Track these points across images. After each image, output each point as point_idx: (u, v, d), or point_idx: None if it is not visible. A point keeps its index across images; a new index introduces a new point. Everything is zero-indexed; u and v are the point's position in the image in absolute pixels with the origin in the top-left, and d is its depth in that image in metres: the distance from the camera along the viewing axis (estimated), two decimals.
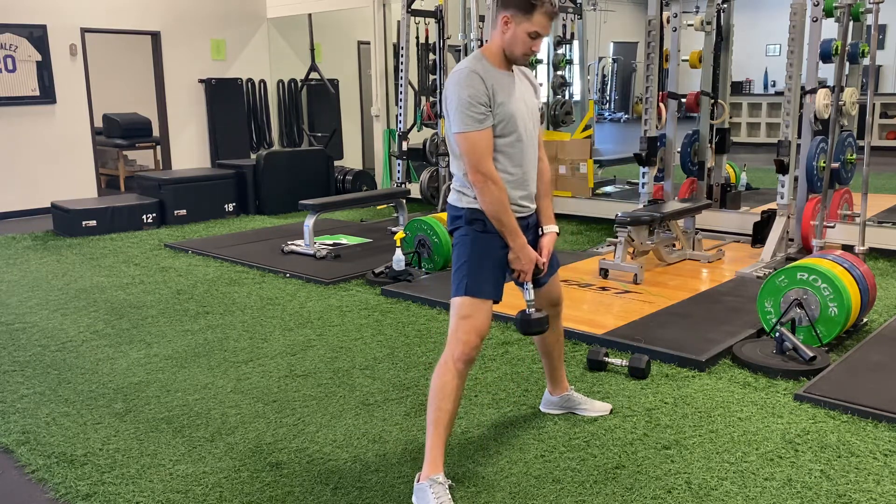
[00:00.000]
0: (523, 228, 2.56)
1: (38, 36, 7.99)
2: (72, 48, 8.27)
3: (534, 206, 2.66)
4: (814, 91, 5.25)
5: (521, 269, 2.57)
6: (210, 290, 5.09)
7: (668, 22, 6.05)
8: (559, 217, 5.54)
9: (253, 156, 9.20)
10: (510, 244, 2.52)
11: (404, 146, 7.57)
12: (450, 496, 2.41)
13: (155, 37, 9.05)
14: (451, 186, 2.61)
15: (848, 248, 4.60)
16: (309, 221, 5.94)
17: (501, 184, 2.46)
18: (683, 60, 6.32)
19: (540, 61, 7.20)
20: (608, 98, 18.21)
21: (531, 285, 2.64)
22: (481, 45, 6.69)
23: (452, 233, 2.62)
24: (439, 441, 2.45)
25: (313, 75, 9.87)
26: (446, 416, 2.44)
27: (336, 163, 9.16)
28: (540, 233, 2.70)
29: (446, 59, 7.69)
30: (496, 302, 2.56)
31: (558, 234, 2.76)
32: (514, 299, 2.75)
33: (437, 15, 7.61)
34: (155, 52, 9.12)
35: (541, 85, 7.14)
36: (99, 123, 9.56)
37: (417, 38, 7.76)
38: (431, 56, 7.70)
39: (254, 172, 8.10)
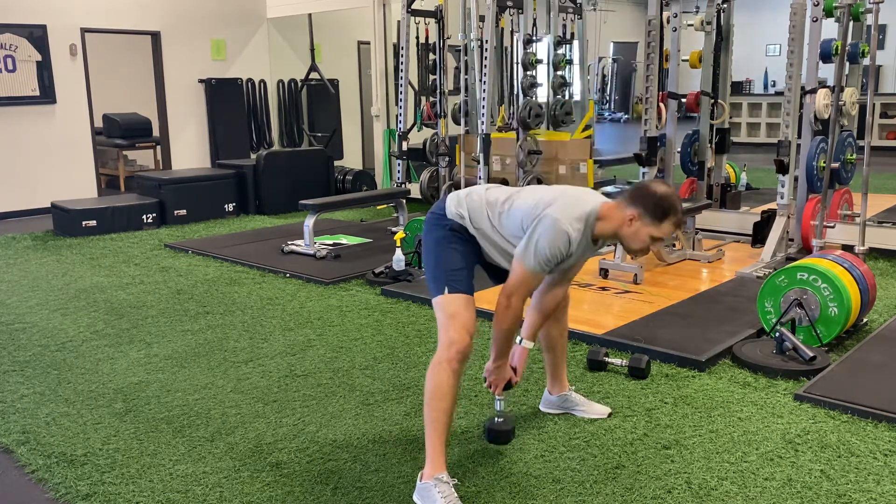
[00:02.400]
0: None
1: (38, 36, 7.99)
2: (72, 48, 8.27)
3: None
4: (814, 91, 5.25)
5: (494, 382, 2.70)
6: (210, 290, 5.09)
7: (668, 22, 6.05)
8: None
9: (253, 156, 9.20)
10: (493, 358, 2.65)
11: (404, 146, 7.57)
12: (456, 494, 2.41)
13: (155, 37, 9.04)
14: (457, 204, 2.61)
15: (848, 248, 4.60)
16: (309, 221, 5.94)
17: (521, 317, 2.54)
18: (683, 60, 6.31)
19: (540, 61, 7.19)
20: (608, 98, 18.20)
21: (503, 398, 2.76)
22: (481, 45, 6.67)
23: (429, 227, 2.66)
24: (440, 440, 2.45)
25: (313, 75, 9.86)
26: (444, 415, 2.45)
27: (336, 163, 9.15)
28: (518, 341, 2.75)
29: (446, 59, 7.69)
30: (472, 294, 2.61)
31: (531, 350, 2.81)
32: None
33: (437, 15, 7.61)
34: (155, 52, 9.12)
35: (541, 85, 7.14)
36: (99, 123, 9.56)
37: (417, 38, 7.76)
38: (431, 56, 7.69)
39: (254, 172, 8.10)
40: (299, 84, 10.19)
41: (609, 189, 8.31)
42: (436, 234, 2.63)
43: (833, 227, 5.24)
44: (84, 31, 8.37)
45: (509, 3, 6.98)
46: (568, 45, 7.59)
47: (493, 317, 2.55)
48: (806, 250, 5.36)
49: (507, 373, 2.71)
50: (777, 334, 3.56)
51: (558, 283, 2.75)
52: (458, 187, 7.01)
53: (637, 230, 2.46)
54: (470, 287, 2.56)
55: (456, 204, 2.62)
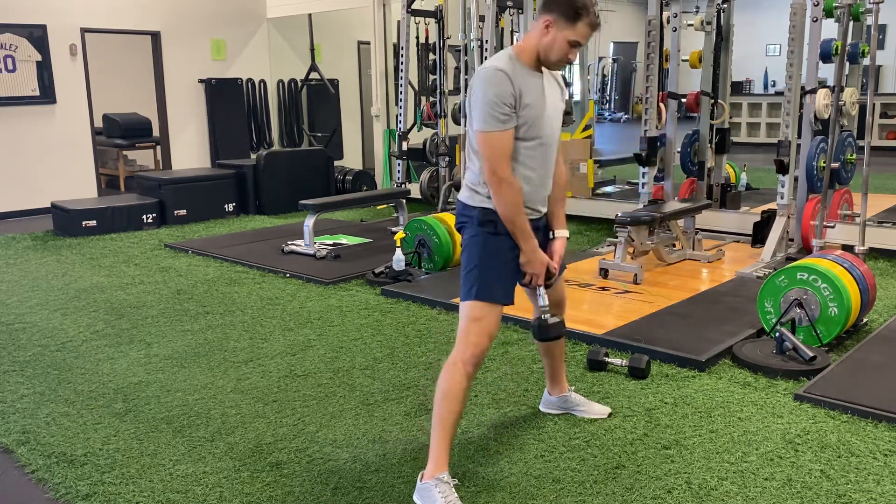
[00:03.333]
0: (534, 230, 2.53)
1: (38, 36, 7.99)
2: (72, 48, 8.27)
3: (545, 210, 2.65)
4: (814, 91, 5.25)
5: (533, 273, 2.56)
6: (210, 290, 5.09)
7: (668, 22, 6.05)
8: None
9: (253, 156, 9.20)
10: (521, 247, 2.50)
11: (404, 146, 7.57)
12: (456, 495, 2.41)
13: (155, 37, 9.05)
14: (463, 183, 2.58)
15: (848, 248, 4.60)
16: (309, 221, 5.94)
17: (517, 186, 2.43)
18: (683, 60, 6.31)
19: None
20: (608, 98, 18.19)
21: (544, 290, 2.63)
22: (481, 45, 6.68)
23: (460, 230, 2.59)
24: (445, 441, 2.45)
25: (313, 75, 9.87)
26: (454, 416, 2.44)
27: (336, 163, 9.15)
28: (551, 236, 2.69)
29: (446, 59, 7.69)
30: (507, 305, 2.54)
31: (568, 238, 2.74)
32: (518, 300, 2.74)
33: (437, 15, 7.61)
34: (155, 52, 9.12)
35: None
36: (99, 123, 9.56)
37: (417, 38, 7.76)
38: (431, 56, 7.70)
39: (254, 172, 8.10)
40: (299, 84, 10.18)
41: (608, 189, 8.31)
42: (468, 231, 2.54)
43: (833, 227, 5.24)
44: (84, 31, 8.37)
45: (509, 3, 6.98)
46: None
47: (494, 202, 2.43)
48: (806, 250, 5.36)
49: (543, 258, 2.56)
50: (777, 334, 3.56)
51: (550, 154, 2.58)
52: (458, 187, 7.01)
53: (553, 38, 2.41)
54: (502, 296, 2.50)
55: (467, 183, 2.55)
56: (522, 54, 2.46)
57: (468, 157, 2.55)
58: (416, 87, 8.39)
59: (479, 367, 2.48)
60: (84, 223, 6.99)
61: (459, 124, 7.33)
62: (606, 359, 3.53)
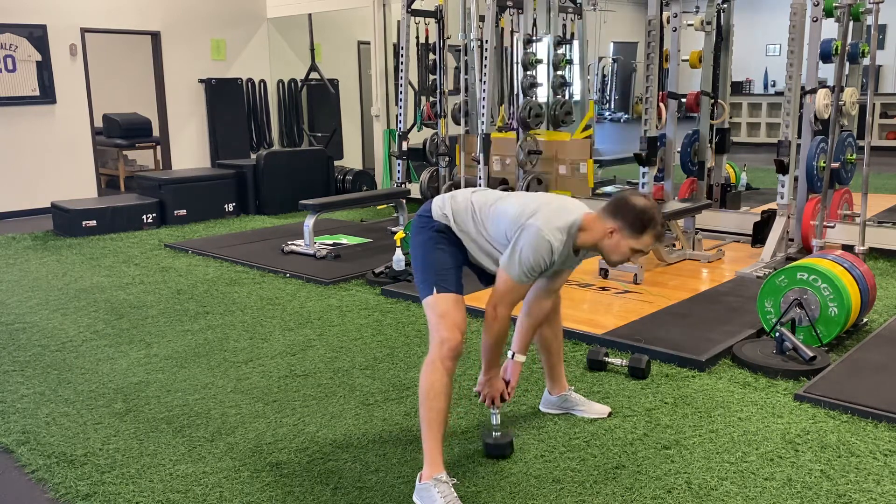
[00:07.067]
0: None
1: (38, 36, 7.99)
2: (72, 48, 8.27)
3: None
4: (814, 91, 5.25)
5: (487, 396, 2.73)
6: (210, 290, 5.09)
7: (668, 22, 6.05)
8: None
9: (253, 156, 9.20)
10: (483, 372, 2.70)
11: (404, 146, 7.56)
12: (455, 494, 2.41)
13: (155, 37, 9.04)
14: (444, 209, 2.62)
15: (848, 248, 4.60)
16: (309, 221, 5.94)
17: (508, 326, 2.56)
18: (683, 60, 6.31)
19: (540, 61, 7.19)
20: (608, 98, 18.18)
21: (498, 411, 2.75)
22: (481, 45, 6.67)
23: (415, 234, 2.67)
24: (437, 440, 2.46)
25: (313, 75, 9.86)
26: (440, 415, 2.45)
27: (336, 163, 9.15)
28: (510, 357, 2.78)
29: (446, 59, 7.69)
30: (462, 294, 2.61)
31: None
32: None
33: (437, 15, 7.60)
34: (155, 52, 9.12)
35: (541, 85, 7.12)
36: (99, 123, 9.55)
37: (417, 38, 7.76)
38: (431, 56, 7.69)
39: (254, 172, 8.10)
40: (299, 84, 10.18)
41: (608, 189, 8.31)
42: (423, 236, 2.64)
43: (833, 227, 5.24)
44: (84, 31, 8.37)
45: (509, 3, 6.98)
46: (568, 45, 7.58)
47: (483, 328, 2.58)
48: (806, 250, 5.36)
49: (500, 385, 2.73)
50: (777, 334, 3.56)
51: (544, 293, 2.75)
52: (457, 187, 7.01)
53: (617, 243, 2.49)
54: (459, 286, 2.57)
55: (440, 206, 2.64)
56: (583, 238, 2.53)
57: (481, 220, 2.59)
58: (416, 87, 8.39)
59: (456, 362, 2.51)
60: (84, 223, 6.99)
61: (459, 124, 7.33)
62: (606, 359, 3.53)
